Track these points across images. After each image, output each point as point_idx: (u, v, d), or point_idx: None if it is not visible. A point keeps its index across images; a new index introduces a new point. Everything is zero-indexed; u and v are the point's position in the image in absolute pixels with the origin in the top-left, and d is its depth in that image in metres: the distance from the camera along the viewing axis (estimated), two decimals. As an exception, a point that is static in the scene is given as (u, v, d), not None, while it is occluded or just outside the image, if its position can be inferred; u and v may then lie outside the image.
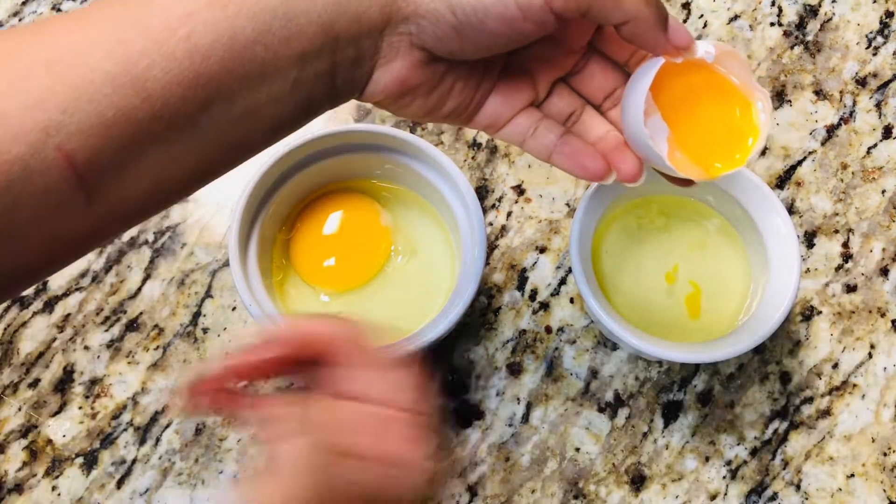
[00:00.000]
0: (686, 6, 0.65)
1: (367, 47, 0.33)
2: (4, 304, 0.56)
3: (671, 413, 0.55)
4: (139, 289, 0.57)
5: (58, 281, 0.57)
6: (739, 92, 0.39)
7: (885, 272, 0.58)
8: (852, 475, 0.54)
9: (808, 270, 0.58)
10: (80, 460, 0.53)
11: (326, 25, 0.32)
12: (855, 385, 0.56)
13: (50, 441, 0.53)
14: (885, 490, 0.53)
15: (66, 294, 0.56)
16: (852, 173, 0.61)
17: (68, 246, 0.32)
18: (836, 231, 0.59)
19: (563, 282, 0.57)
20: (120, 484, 0.52)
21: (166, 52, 0.30)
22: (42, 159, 0.28)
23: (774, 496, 0.53)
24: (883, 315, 0.57)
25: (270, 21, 0.31)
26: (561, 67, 0.39)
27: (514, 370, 0.55)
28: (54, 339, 0.55)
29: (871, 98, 0.62)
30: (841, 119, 0.62)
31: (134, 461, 0.53)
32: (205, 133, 0.32)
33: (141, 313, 0.56)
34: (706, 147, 0.39)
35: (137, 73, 0.29)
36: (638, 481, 0.53)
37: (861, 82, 0.63)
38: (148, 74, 0.29)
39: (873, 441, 0.54)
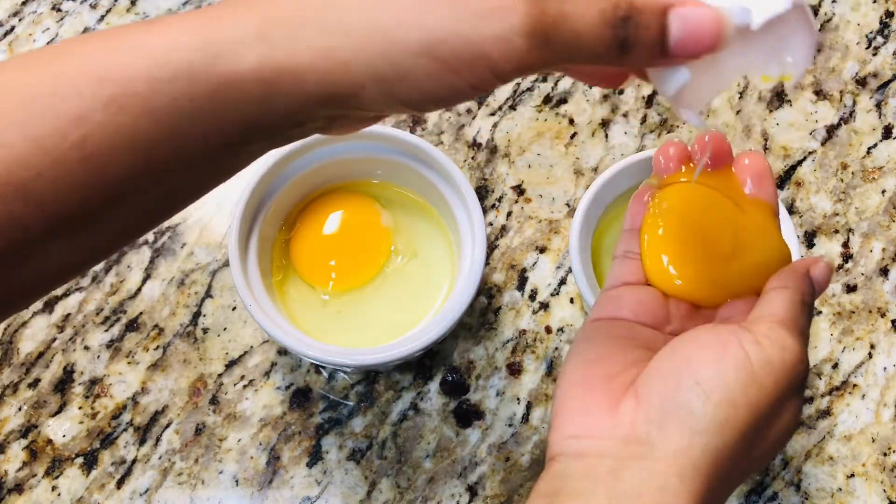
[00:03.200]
0: (686, 6, 0.65)
1: (308, 127, 0.29)
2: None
3: (671, 413, 0.55)
4: (139, 289, 0.57)
5: (58, 281, 0.57)
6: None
7: (885, 272, 0.58)
8: (852, 475, 0.54)
9: (808, 270, 0.58)
10: (80, 460, 0.53)
11: (251, 122, 0.28)
12: (855, 385, 0.56)
13: (50, 441, 0.53)
14: (885, 490, 0.53)
15: (65, 294, 0.56)
16: (852, 173, 0.61)
17: None
18: (836, 231, 0.59)
19: (563, 282, 0.57)
20: (120, 484, 0.52)
21: (55, 160, 0.26)
22: None
23: (774, 496, 0.53)
24: (883, 315, 0.57)
25: (178, 122, 0.27)
26: None
27: (514, 370, 0.55)
28: (54, 339, 0.55)
29: (871, 98, 0.62)
30: (841, 119, 0.62)
31: (134, 461, 0.53)
32: (118, 221, 0.29)
33: (141, 313, 0.56)
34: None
35: (22, 183, 0.26)
36: (638, 481, 0.53)
37: (861, 82, 0.63)
38: (36, 185, 0.26)
39: (873, 441, 0.54)
